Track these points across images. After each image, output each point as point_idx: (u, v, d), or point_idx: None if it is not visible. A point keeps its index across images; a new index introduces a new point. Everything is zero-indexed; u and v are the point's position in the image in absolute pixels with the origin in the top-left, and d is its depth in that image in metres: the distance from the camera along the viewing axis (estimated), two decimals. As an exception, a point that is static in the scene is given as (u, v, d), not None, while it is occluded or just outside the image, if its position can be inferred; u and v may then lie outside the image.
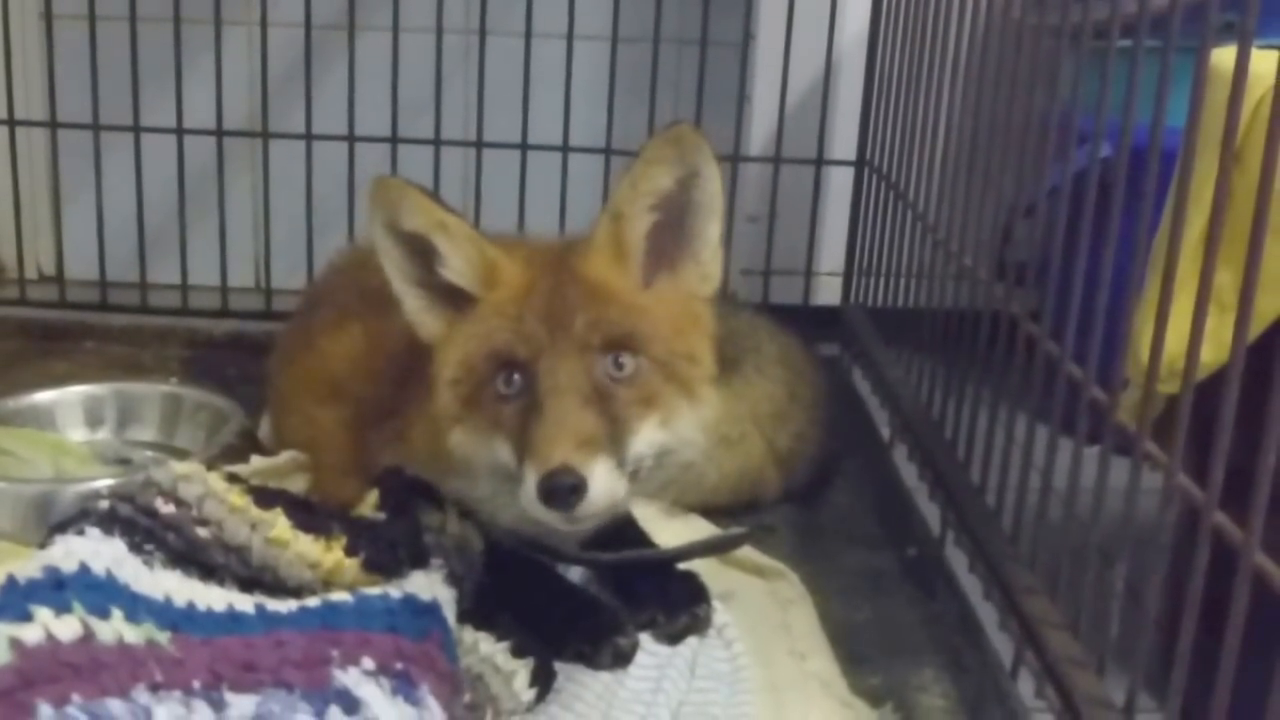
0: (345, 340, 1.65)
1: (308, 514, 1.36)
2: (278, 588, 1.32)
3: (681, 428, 1.37)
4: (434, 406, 1.39)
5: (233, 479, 1.38)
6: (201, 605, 1.27)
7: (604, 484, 1.24)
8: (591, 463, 1.24)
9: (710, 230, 1.39)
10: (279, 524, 1.33)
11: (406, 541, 1.35)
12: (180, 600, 1.26)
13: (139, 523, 1.30)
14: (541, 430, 1.25)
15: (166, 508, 1.32)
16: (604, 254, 1.37)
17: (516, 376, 1.31)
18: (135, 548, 1.28)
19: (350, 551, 1.33)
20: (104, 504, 1.31)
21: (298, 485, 1.59)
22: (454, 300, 1.39)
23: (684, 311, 1.38)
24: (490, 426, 1.33)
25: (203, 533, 1.31)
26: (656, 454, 1.35)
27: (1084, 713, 1.30)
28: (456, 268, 1.39)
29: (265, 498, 1.36)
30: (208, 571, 1.32)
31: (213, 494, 1.34)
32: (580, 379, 1.29)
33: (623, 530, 1.55)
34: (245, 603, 1.29)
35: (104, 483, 1.62)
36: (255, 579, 1.32)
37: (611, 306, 1.34)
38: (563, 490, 1.22)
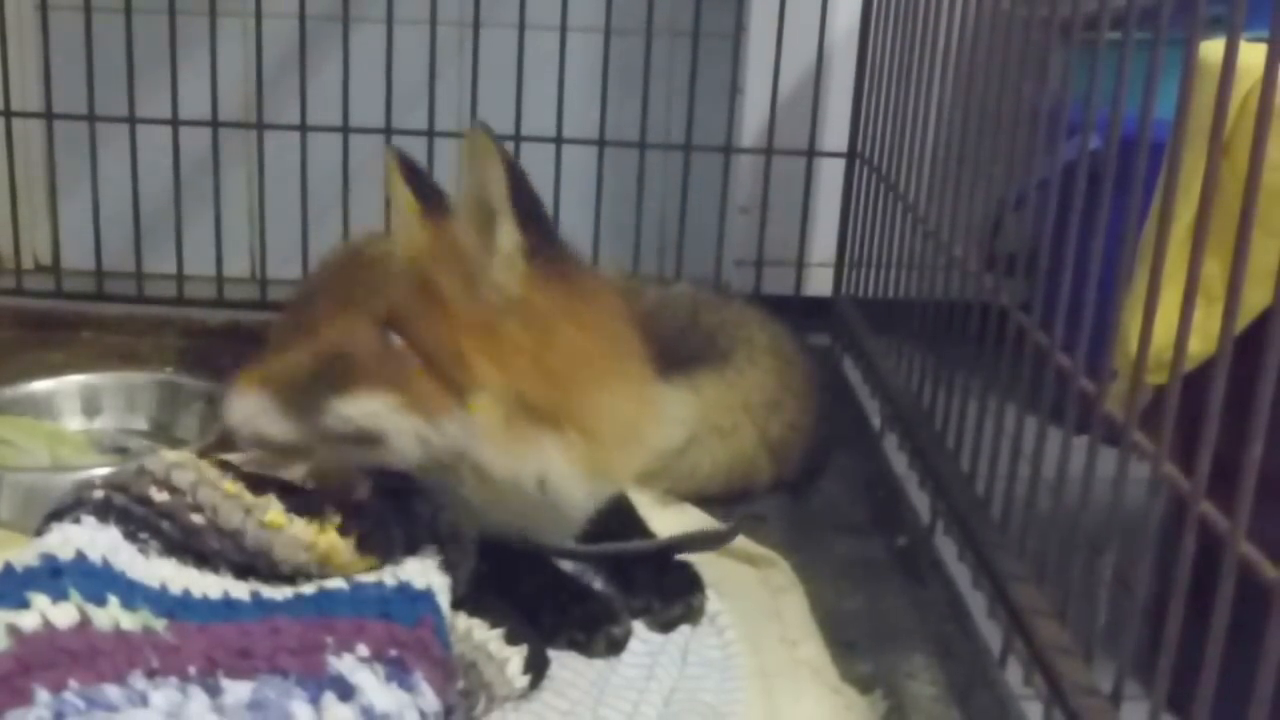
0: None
1: (300, 498, 1.37)
2: (272, 574, 1.33)
3: (447, 427, 1.35)
4: None
5: (225, 466, 1.39)
6: (197, 593, 1.28)
7: (243, 410, 1.35)
8: (249, 392, 1.35)
9: (499, 235, 1.36)
10: (272, 508, 1.33)
11: (399, 520, 1.36)
12: (176, 588, 1.27)
13: (133, 512, 1.31)
14: None
15: (160, 495, 1.32)
16: (438, 242, 1.41)
17: None
18: (130, 536, 1.28)
19: (344, 532, 1.34)
20: (99, 493, 1.32)
21: (293, 473, 1.59)
22: None
23: (471, 316, 1.37)
24: None
25: (197, 519, 1.32)
26: (406, 437, 1.36)
27: (1071, 700, 1.31)
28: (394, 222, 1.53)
29: (258, 483, 1.36)
30: (202, 559, 1.32)
31: (206, 481, 1.34)
32: (335, 335, 1.37)
33: (620, 520, 1.56)
34: (241, 590, 1.30)
35: (100, 471, 1.62)
36: (250, 565, 1.33)
37: (410, 289, 1.38)
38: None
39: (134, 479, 1.34)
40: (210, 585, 1.29)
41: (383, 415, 1.35)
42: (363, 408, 1.35)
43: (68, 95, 2.46)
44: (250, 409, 1.35)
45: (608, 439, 1.43)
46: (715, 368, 1.91)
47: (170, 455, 1.37)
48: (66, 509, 1.30)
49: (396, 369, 1.35)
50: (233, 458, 1.51)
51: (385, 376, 1.35)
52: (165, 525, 1.31)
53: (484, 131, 1.35)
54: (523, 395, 1.37)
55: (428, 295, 1.37)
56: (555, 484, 1.40)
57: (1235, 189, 1.12)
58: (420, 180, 1.50)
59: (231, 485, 1.35)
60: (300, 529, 1.33)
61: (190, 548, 1.32)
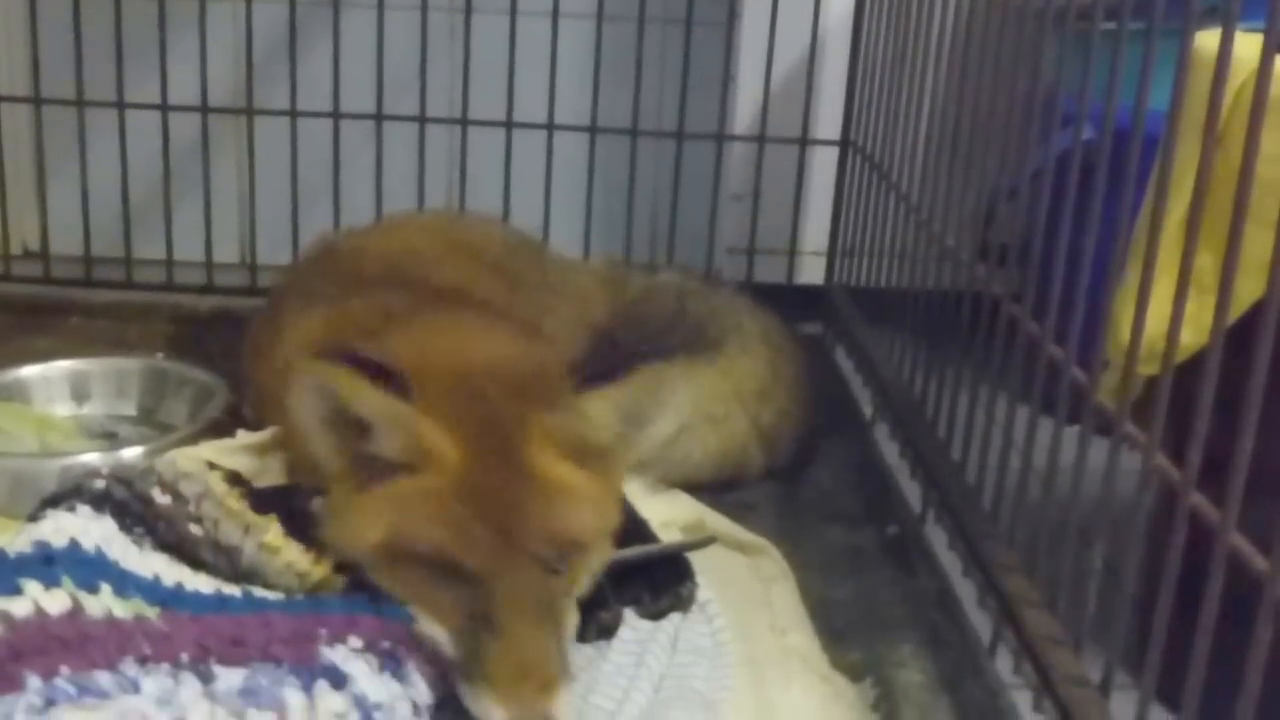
0: (315, 329, 1.63)
1: (302, 526, 1.35)
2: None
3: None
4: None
5: (234, 481, 1.38)
6: (190, 587, 1.28)
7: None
8: (556, 700, 1.17)
9: (660, 426, 1.32)
10: (272, 530, 1.32)
11: None
12: (169, 580, 1.27)
13: (131, 507, 1.31)
14: (504, 660, 1.17)
15: (163, 499, 1.31)
16: (558, 446, 1.28)
17: (461, 583, 1.22)
18: (125, 529, 1.28)
19: (340, 568, 1.33)
20: (99, 483, 1.31)
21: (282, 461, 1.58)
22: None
23: (605, 503, 1.33)
24: (419, 600, 1.25)
25: (195, 530, 1.31)
26: None
27: (1061, 690, 1.31)
28: (390, 444, 1.25)
29: (262, 503, 1.36)
30: (195, 564, 1.32)
31: (211, 495, 1.33)
32: (539, 596, 1.23)
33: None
34: (232, 588, 1.30)
35: (89, 456, 1.63)
36: (243, 581, 1.32)
37: (563, 510, 1.26)
38: None
39: (140, 476, 1.33)
40: (203, 582, 1.29)
41: None
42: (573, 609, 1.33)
43: (56, 80, 2.44)
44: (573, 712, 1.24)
45: None
46: (707, 355, 1.91)
47: (182, 464, 1.37)
48: (64, 496, 1.30)
49: (573, 576, 1.31)
50: (225, 444, 1.51)
51: (568, 589, 1.31)
52: (161, 527, 1.31)
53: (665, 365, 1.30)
54: None
55: (576, 505, 1.28)
56: None
57: (1229, 181, 1.12)
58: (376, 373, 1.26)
59: (235, 502, 1.34)
60: (296, 555, 1.32)
61: (183, 552, 1.31)
